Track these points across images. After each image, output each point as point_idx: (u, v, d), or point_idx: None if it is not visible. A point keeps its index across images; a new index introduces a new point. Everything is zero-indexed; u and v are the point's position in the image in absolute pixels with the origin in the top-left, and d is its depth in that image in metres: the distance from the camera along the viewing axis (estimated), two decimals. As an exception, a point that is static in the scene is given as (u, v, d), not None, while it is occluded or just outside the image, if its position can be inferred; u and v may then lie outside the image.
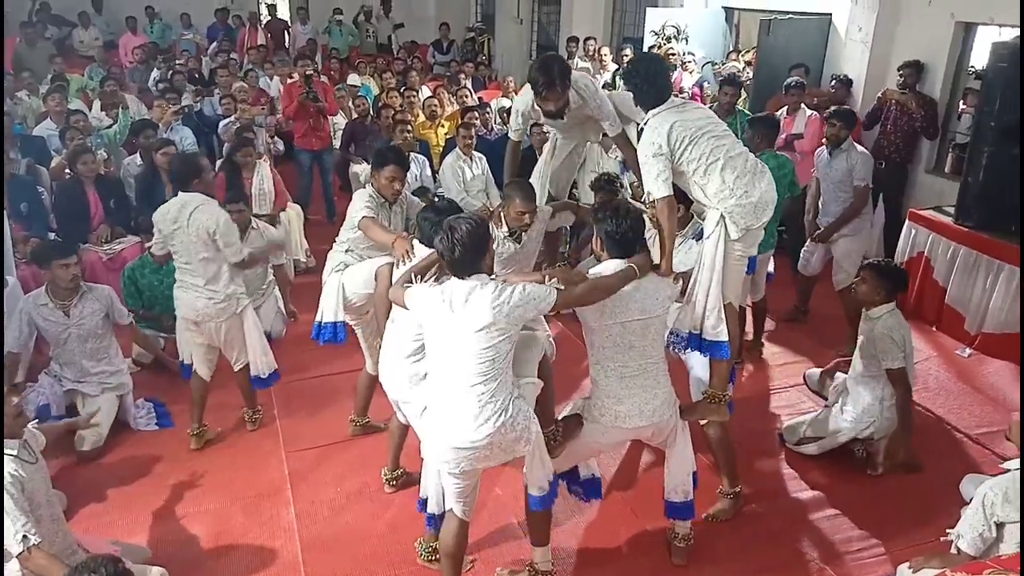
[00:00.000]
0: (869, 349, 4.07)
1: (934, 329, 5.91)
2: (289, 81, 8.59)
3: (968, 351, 5.58)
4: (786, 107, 6.52)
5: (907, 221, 6.19)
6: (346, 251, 4.00)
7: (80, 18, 13.06)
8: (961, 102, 6.90)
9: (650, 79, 3.13)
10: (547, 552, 3.21)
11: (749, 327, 5.66)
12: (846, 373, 4.39)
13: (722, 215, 3.09)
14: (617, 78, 8.61)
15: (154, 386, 4.91)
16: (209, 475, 4.14)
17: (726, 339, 3.22)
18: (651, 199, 3.09)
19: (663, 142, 3.03)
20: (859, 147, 5.47)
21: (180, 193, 4.06)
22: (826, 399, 4.58)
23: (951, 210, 5.87)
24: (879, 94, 6.80)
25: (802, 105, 6.50)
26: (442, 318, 2.73)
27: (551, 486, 3.07)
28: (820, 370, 4.95)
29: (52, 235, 5.62)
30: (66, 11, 13.23)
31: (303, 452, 4.34)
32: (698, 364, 3.59)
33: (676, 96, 3.26)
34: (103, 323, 4.35)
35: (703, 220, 3.32)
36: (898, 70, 6.66)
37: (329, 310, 3.97)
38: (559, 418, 3.22)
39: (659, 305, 3.03)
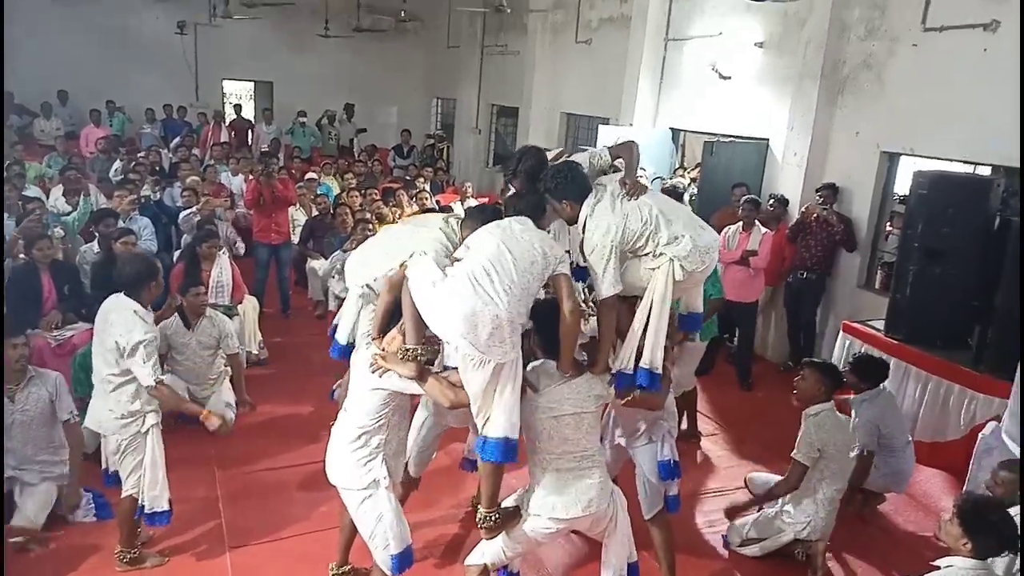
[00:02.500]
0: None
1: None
2: (251, 177, 8.80)
3: (901, 459, 5.79)
4: (741, 223, 6.91)
5: (841, 332, 6.54)
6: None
7: (43, 108, 13.22)
8: (888, 224, 7.43)
9: (572, 176, 3.30)
10: None
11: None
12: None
13: (671, 259, 3.19)
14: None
15: (94, 476, 4.74)
16: (147, 571, 4.01)
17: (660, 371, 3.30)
18: (600, 297, 3.22)
19: (604, 240, 3.15)
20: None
21: (120, 294, 3.86)
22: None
23: (880, 324, 6.22)
24: (802, 209, 7.31)
25: (756, 222, 6.89)
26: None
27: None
28: (764, 473, 5.09)
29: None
30: (29, 101, 13.39)
31: (248, 547, 4.25)
32: (646, 462, 3.70)
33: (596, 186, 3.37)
34: (48, 410, 4.24)
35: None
36: (816, 191, 7.21)
37: (345, 329, 3.70)
38: (500, 505, 3.25)
39: (591, 402, 3.16)
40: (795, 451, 4.16)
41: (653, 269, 3.21)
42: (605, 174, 3.50)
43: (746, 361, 7.12)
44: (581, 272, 3.45)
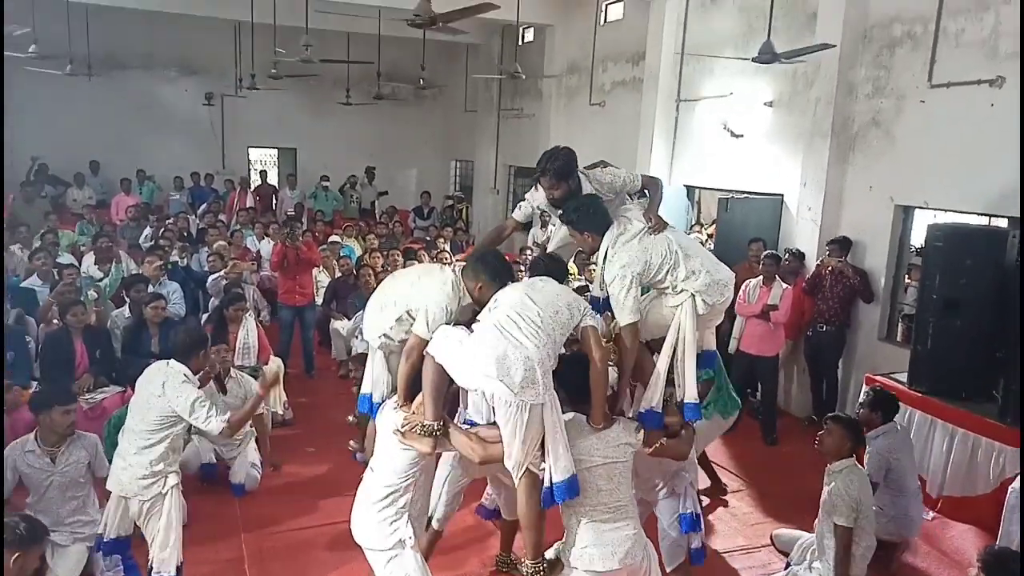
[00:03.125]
0: (829, 504, 4.21)
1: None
2: (276, 241, 9.02)
3: (931, 514, 5.71)
4: (762, 277, 6.99)
5: (864, 385, 6.50)
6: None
7: (75, 178, 13.69)
8: (907, 276, 7.46)
9: (594, 209, 3.45)
10: None
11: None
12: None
13: (692, 295, 3.32)
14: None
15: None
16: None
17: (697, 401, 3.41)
18: (620, 325, 3.32)
19: (626, 271, 3.28)
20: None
21: (172, 361, 4.03)
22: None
23: (903, 376, 6.20)
24: (817, 262, 7.37)
25: (776, 276, 6.98)
26: None
27: None
28: (790, 530, 5.04)
29: (35, 383, 5.69)
30: (62, 172, 13.87)
31: (274, 609, 4.27)
32: (666, 515, 3.71)
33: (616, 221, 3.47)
34: (85, 472, 4.34)
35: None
36: (827, 244, 7.29)
37: (373, 385, 3.73)
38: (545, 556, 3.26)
39: (620, 451, 3.21)
40: (836, 517, 4.08)
41: (675, 307, 3.31)
42: (631, 197, 3.61)
43: (770, 416, 7.10)
44: (596, 303, 3.54)
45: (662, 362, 3.34)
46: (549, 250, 3.91)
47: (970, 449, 5.58)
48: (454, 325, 3.25)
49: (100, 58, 13.81)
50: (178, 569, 3.98)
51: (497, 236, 4.06)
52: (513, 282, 3.41)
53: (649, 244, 3.34)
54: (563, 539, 3.29)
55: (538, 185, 3.69)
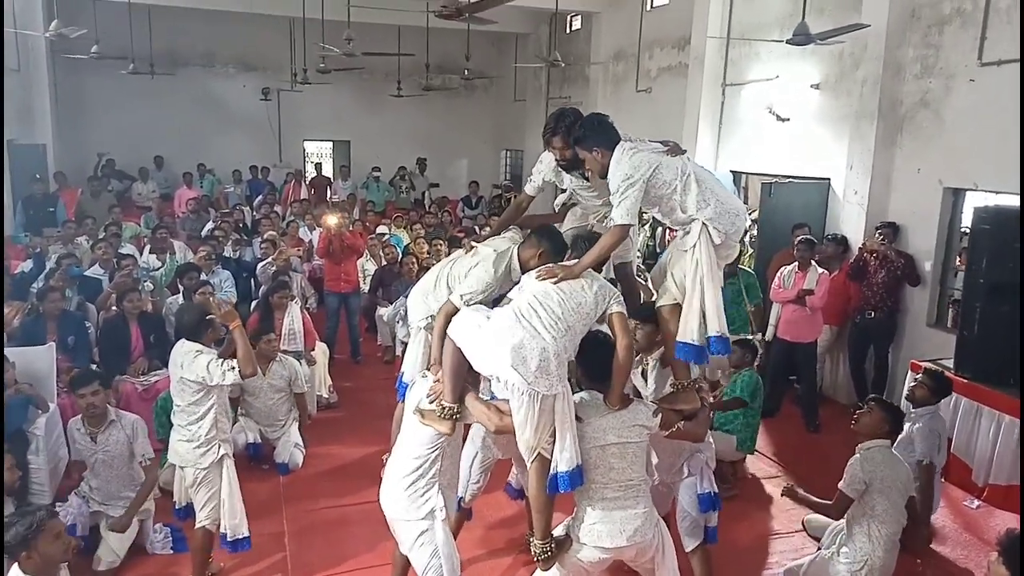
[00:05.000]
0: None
1: (943, 480, 5.92)
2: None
3: (976, 502, 5.59)
4: (797, 262, 6.90)
5: (909, 372, 6.37)
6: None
7: (140, 173, 14.27)
8: (957, 259, 7.24)
9: (601, 124, 3.40)
10: None
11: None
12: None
13: (703, 224, 3.28)
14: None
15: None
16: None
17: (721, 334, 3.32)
18: (612, 223, 3.30)
19: (635, 172, 3.23)
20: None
21: (182, 340, 4.22)
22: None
23: (949, 362, 6.05)
24: (859, 246, 7.22)
25: (812, 262, 6.87)
26: None
27: None
28: (821, 516, 4.99)
29: (94, 366, 6.02)
30: (127, 167, 14.48)
31: (310, 582, 4.46)
32: (686, 495, 3.74)
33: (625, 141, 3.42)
34: (128, 450, 4.56)
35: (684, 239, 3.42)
36: (876, 228, 7.12)
37: (410, 370, 3.85)
38: (553, 536, 3.32)
39: (635, 433, 3.23)
40: (841, 481, 4.11)
41: (692, 247, 3.30)
42: None
43: (811, 402, 7.00)
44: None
45: (689, 294, 3.29)
46: (563, 231, 3.83)
47: (1016, 436, 5.43)
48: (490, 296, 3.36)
49: (162, 57, 14.36)
50: (245, 538, 4.25)
51: (516, 210, 4.08)
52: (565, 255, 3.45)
53: (663, 159, 3.29)
54: (573, 515, 3.34)
55: (543, 156, 3.69)
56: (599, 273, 3.45)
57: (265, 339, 5.75)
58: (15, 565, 2.90)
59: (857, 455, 4.15)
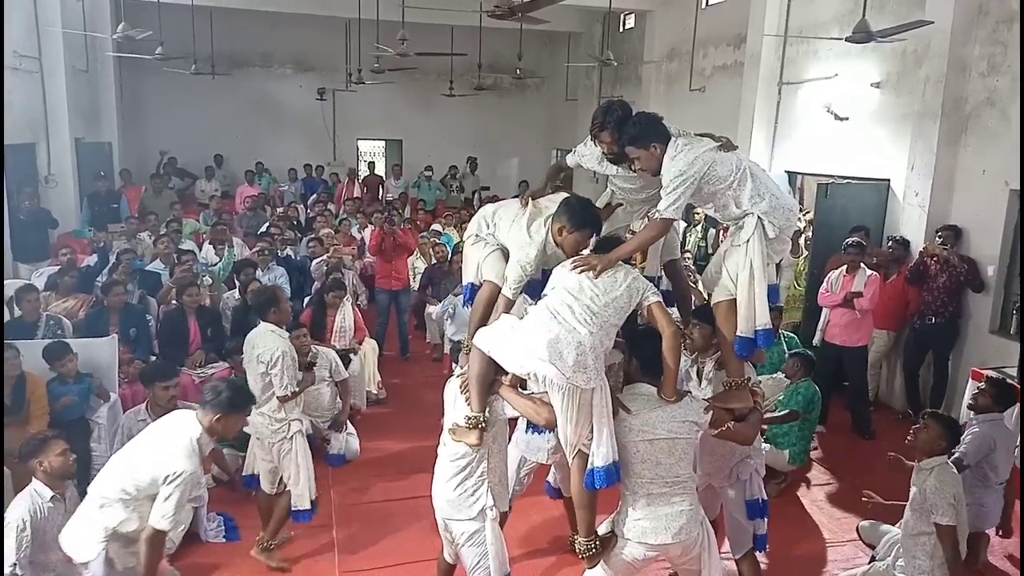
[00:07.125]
0: (921, 503, 4.02)
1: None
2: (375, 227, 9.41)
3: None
4: (845, 265, 6.75)
5: (970, 380, 6.16)
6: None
7: (205, 171, 14.67)
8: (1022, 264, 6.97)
9: (654, 121, 3.38)
10: None
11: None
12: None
13: (759, 218, 3.28)
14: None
15: (227, 502, 5.23)
16: (269, 570, 4.43)
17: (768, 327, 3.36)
18: (657, 214, 3.31)
19: (689, 168, 3.22)
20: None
21: (261, 322, 4.54)
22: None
23: (1012, 370, 5.84)
24: (920, 250, 7.00)
25: (861, 264, 6.72)
26: None
27: None
28: (876, 523, 4.88)
29: (154, 358, 6.21)
30: (189, 165, 14.90)
31: (357, 573, 4.53)
32: (734, 501, 3.69)
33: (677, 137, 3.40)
34: None
35: (739, 233, 3.41)
36: (937, 232, 6.91)
37: (470, 273, 3.82)
38: (597, 533, 3.30)
39: (685, 428, 3.18)
40: (938, 517, 3.87)
41: (746, 242, 3.30)
42: None
43: (862, 408, 6.84)
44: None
45: (742, 286, 3.32)
46: (603, 234, 3.67)
47: (1085, 448, 5.21)
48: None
49: (222, 58, 14.74)
50: (312, 503, 4.52)
51: (556, 171, 4.17)
52: (598, 232, 3.43)
53: (718, 155, 3.28)
54: (618, 509, 3.31)
55: (588, 142, 3.66)
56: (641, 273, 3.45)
57: (294, 334, 5.78)
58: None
59: (930, 480, 3.95)
